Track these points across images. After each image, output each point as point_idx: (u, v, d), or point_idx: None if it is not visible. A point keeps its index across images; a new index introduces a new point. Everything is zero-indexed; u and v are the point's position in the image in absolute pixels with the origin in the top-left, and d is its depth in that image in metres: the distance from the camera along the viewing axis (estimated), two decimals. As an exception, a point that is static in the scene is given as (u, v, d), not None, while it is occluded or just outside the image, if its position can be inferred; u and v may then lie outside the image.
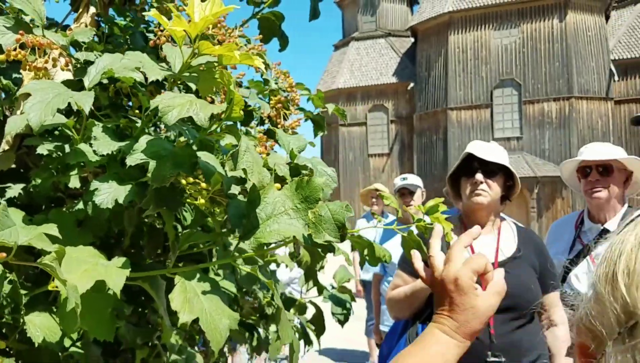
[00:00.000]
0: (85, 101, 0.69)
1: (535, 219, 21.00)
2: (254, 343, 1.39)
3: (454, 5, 22.83)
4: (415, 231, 1.01)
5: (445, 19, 22.99)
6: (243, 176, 0.71)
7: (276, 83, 1.16)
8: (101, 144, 0.71)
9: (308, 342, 1.46)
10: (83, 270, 0.64)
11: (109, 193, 0.68)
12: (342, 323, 1.26)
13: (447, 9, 22.78)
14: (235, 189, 0.78)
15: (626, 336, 0.46)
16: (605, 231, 2.20)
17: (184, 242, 0.77)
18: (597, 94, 21.97)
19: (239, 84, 1.18)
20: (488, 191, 1.90)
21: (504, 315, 1.83)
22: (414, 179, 3.62)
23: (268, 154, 0.90)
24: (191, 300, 0.67)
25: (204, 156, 0.73)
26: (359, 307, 5.83)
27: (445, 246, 2.05)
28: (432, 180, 21.73)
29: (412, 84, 24.99)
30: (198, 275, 0.72)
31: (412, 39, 25.92)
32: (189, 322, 0.65)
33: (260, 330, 1.35)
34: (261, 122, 1.15)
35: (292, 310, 1.47)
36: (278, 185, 0.76)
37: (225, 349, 1.64)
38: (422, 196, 3.61)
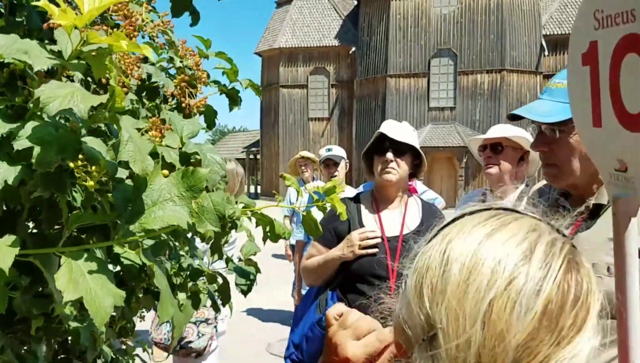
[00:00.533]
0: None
1: (462, 187, 21.99)
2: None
3: (397, -29, 22.86)
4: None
5: (388, -16, 23.03)
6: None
7: (182, 61, 1.18)
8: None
9: (216, 309, 1.53)
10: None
11: (-3, 175, 0.71)
12: (245, 293, 1.33)
13: (390, -26, 22.79)
14: (123, 173, 0.81)
15: (428, 344, 0.52)
16: None
17: (74, 222, 0.81)
18: (527, 68, 22.95)
19: (144, 60, 1.19)
20: (397, 169, 2.02)
21: (406, 282, 1.98)
22: (338, 151, 3.74)
23: (163, 137, 0.94)
24: (76, 279, 0.71)
25: (90, 141, 0.76)
26: (289, 270, 6.01)
27: (347, 230, 2.13)
28: (368, 145, 22.07)
29: (353, 49, 25.02)
30: (85, 255, 0.76)
31: (355, 2, 25.78)
32: (72, 300, 0.69)
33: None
34: (165, 100, 1.17)
35: (201, 280, 1.53)
36: (166, 172, 0.80)
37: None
38: (345, 167, 3.73)
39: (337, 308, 0.79)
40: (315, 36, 26.35)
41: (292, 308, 5.62)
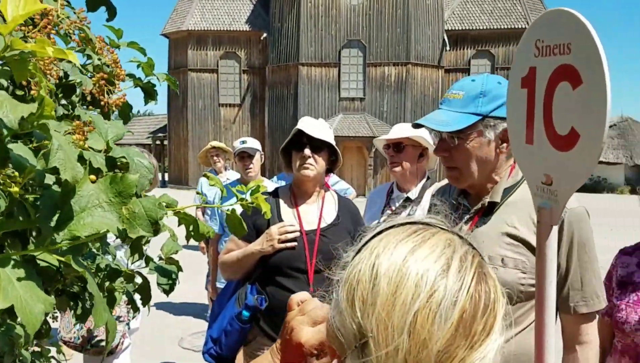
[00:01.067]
0: None
1: (371, 176, 22.77)
2: (79, 311, 1.40)
3: (308, -41, 22.91)
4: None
5: (300, -28, 23.03)
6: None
7: (100, 59, 1.15)
8: None
9: (135, 309, 1.51)
10: None
11: None
12: (167, 292, 1.33)
13: (301, -38, 22.79)
14: (50, 179, 0.79)
15: (360, 352, 0.56)
16: (408, 199, 2.56)
17: (0, 229, 0.78)
18: (430, 62, 24.08)
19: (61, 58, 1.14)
20: (314, 164, 2.09)
21: (323, 275, 2.06)
22: (252, 143, 3.73)
23: (86, 139, 0.92)
24: (5, 287, 0.70)
25: (17, 148, 0.74)
26: (201, 262, 5.91)
27: (266, 224, 2.17)
28: (282, 134, 22.16)
29: (265, 34, 24.80)
30: (12, 262, 0.74)
31: (267, -13, 25.56)
32: (3, 308, 0.68)
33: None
34: (83, 98, 1.13)
35: (119, 280, 1.50)
36: (93, 177, 0.80)
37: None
38: (260, 159, 3.74)
39: (300, 295, 0.83)
40: (225, 20, 25.77)
41: (205, 301, 5.56)
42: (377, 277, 0.57)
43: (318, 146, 2.09)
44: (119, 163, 0.87)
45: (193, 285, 6.26)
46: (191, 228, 1.10)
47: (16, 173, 0.76)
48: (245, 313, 1.99)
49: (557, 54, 0.70)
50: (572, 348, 1.43)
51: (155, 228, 0.79)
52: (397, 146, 2.57)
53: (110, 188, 0.77)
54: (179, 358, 4.67)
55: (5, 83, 0.73)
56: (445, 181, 1.73)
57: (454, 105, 1.45)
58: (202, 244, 4.79)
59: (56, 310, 1.65)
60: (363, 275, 0.59)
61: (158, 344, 4.97)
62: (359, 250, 0.63)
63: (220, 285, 3.61)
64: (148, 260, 1.42)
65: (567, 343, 1.45)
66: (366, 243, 0.63)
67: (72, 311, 1.44)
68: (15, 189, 0.76)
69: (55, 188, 0.79)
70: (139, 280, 1.47)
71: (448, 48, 24.75)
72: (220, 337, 2.03)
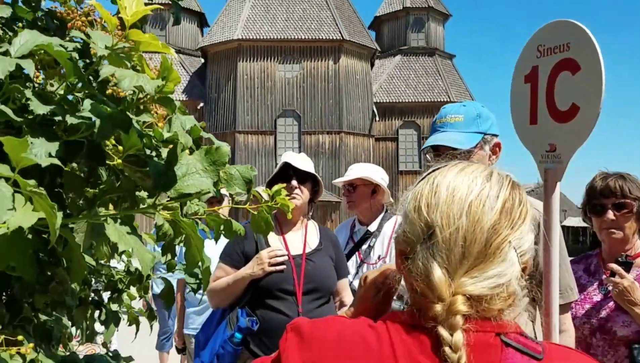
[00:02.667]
0: (28, 65, 0.79)
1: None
2: (102, 317, 1.47)
3: (242, 34, 23.90)
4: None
5: (234, 46, 23.92)
6: (155, 143, 0.89)
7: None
8: (37, 105, 0.82)
9: (152, 317, 1.59)
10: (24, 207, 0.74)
11: (41, 147, 0.80)
12: (195, 291, 1.43)
13: (236, 36, 23.73)
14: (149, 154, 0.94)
15: (428, 239, 0.75)
16: (368, 232, 2.79)
17: (101, 195, 0.91)
18: (361, 131, 25.29)
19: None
20: (300, 195, 2.27)
21: (310, 296, 2.19)
22: (223, 191, 3.87)
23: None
24: (122, 235, 0.83)
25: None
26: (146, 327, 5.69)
27: (254, 251, 2.29)
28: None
29: (202, 104, 25.17)
30: (119, 220, 0.87)
31: (202, 60, 26.21)
32: (127, 250, 0.80)
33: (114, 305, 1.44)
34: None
35: (135, 288, 1.59)
36: (187, 151, 0.95)
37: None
38: (229, 202, 3.85)
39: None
40: (160, 90, 25.93)
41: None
42: (437, 187, 0.78)
43: (303, 177, 2.29)
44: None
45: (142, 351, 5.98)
46: (222, 228, 1.24)
47: (120, 147, 0.90)
48: (238, 335, 2.07)
49: (558, 52, 0.95)
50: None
51: (248, 186, 0.94)
52: (351, 186, 2.83)
53: (205, 158, 0.92)
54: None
55: (129, 64, 0.89)
56: None
57: (457, 127, 1.71)
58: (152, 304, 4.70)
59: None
60: (424, 189, 0.79)
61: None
62: (416, 185, 0.83)
63: (188, 331, 3.58)
64: (172, 266, 1.53)
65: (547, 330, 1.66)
66: (418, 182, 0.84)
67: (97, 317, 1.50)
68: (118, 161, 0.91)
69: (155, 159, 0.94)
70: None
71: (377, 119, 26.17)
72: (212, 361, 2.08)
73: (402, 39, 28.30)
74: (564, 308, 1.64)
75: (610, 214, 1.92)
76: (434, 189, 0.79)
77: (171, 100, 0.86)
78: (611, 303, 1.94)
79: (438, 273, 0.71)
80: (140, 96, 0.90)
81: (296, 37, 24.02)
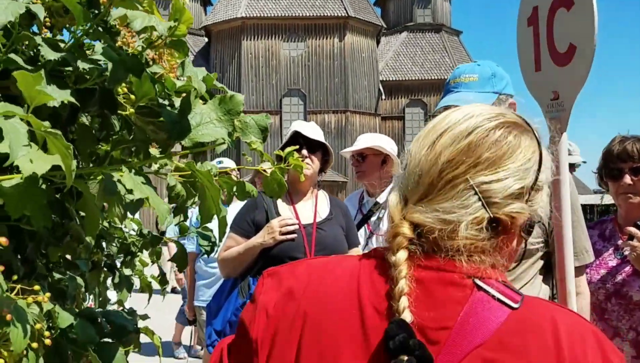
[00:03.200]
0: (38, 9, 0.77)
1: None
2: (116, 280, 1.46)
3: (246, 12, 23.67)
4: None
5: (238, 24, 23.69)
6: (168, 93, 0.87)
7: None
8: (47, 51, 0.79)
9: (164, 282, 1.58)
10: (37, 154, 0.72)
11: (54, 93, 0.77)
12: (208, 253, 1.42)
13: (239, 14, 23.49)
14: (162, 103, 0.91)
15: (404, 169, 0.79)
16: (377, 204, 2.77)
17: (115, 145, 0.89)
18: (367, 110, 25.13)
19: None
20: (311, 164, 2.25)
21: (321, 264, 2.18)
22: (228, 163, 3.86)
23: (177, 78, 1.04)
24: (137, 185, 0.81)
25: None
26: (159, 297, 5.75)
27: (265, 220, 2.26)
28: (223, 180, 21.97)
29: (205, 85, 25.07)
30: (134, 170, 0.85)
31: (206, 39, 26.01)
32: (142, 197, 0.78)
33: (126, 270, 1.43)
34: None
35: (147, 252, 1.58)
36: (201, 101, 0.93)
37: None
38: (236, 177, 3.85)
39: None
40: (164, 70, 25.83)
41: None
42: (432, 120, 0.79)
43: (313, 146, 2.26)
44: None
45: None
46: (235, 189, 1.22)
47: (132, 96, 0.87)
48: (250, 303, 2.07)
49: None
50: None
51: (264, 135, 0.92)
52: (361, 156, 2.79)
53: (219, 107, 0.90)
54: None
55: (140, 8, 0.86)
56: None
57: (472, 86, 1.66)
58: (180, 275, 4.73)
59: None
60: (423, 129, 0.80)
61: None
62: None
63: (198, 303, 3.61)
64: (184, 229, 1.51)
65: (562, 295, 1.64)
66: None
67: (111, 281, 1.49)
68: (131, 111, 0.88)
69: (168, 109, 0.91)
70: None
71: (384, 97, 25.97)
72: (225, 329, 2.08)
73: (408, 15, 27.94)
74: (579, 271, 1.61)
75: (628, 179, 1.88)
76: (427, 126, 0.79)
77: (184, 43, 0.83)
78: (627, 268, 1.91)
79: (393, 198, 0.77)
80: (152, 38, 0.86)
81: (300, 14, 23.74)
